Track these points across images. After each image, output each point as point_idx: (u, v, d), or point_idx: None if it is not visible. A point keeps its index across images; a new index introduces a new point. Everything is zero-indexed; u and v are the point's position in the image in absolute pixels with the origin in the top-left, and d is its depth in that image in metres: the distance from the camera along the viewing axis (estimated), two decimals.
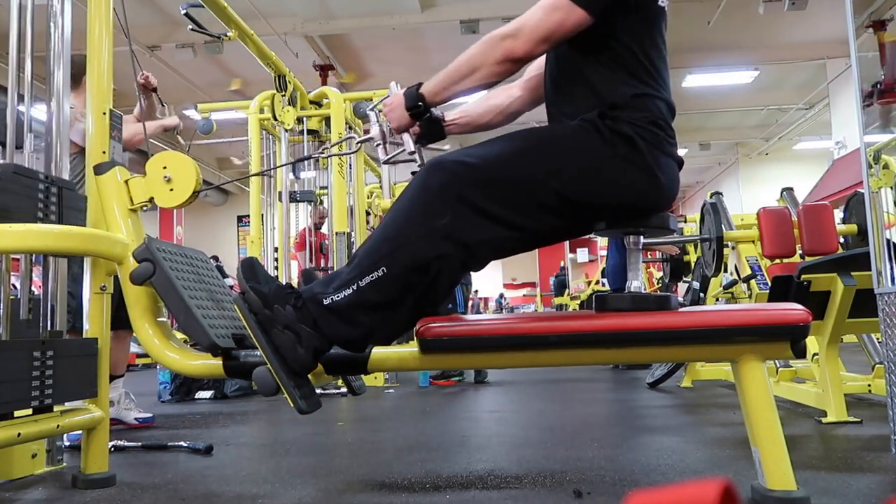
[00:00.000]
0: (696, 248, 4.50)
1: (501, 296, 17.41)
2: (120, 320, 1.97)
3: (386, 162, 1.67)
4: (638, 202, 1.47)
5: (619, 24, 1.42)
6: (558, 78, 1.55)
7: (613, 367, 5.33)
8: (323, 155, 1.90)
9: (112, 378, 3.10)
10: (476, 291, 17.01)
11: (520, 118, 1.78)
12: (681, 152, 1.56)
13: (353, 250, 4.78)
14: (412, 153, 1.57)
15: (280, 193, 4.92)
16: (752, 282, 3.48)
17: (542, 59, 1.61)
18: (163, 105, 3.29)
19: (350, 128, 5.03)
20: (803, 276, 2.52)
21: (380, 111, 1.63)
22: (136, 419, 3.00)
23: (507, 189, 1.41)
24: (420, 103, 1.50)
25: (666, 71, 1.50)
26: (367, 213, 5.88)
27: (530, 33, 1.38)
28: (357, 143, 1.81)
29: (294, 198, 4.94)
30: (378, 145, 1.64)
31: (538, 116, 1.57)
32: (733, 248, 3.75)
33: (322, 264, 5.42)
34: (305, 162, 5.24)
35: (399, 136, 1.58)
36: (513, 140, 1.47)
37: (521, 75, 1.71)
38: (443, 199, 1.40)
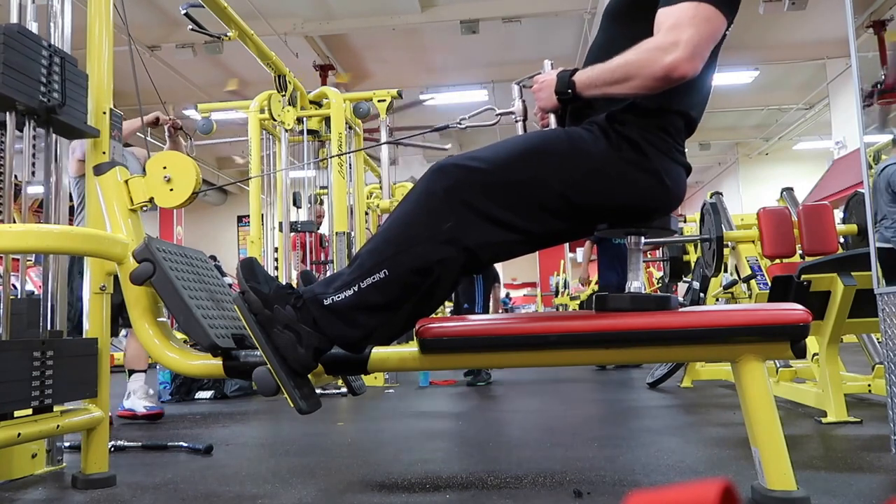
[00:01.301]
0: (696, 248, 4.50)
1: (507, 295, 17.50)
2: None
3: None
4: (643, 205, 1.47)
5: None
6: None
7: (598, 368, 5.32)
8: (460, 126, 1.79)
9: (132, 373, 3.18)
10: (508, 294, 17.03)
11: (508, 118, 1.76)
12: None
13: (353, 250, 4.78)
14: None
15: (280, 223, 4.90)
16: (752, 282, 3.48)
17: None
18: (189, 139, 3.39)
19: (350, 128, 5.03)
20: (803, 276, 2.53)
21: (526, 87, 1.58)
22: (145, 407, 3.09)
23: (512, 192, 1.41)
24: (569, 90, 1.44)
25: (703, 84, 1.48)
26: (367, 214, 5.87)
27: (691, 48, 1.28)
28: (497, 114, 1.74)
29: (295, 228, 4.93)
30: (518, 121, 1.59)
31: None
32: (733, 248, 3.75)
33: (321, 266, 5.42)
34: (304, 161, 5.23)
35: (540, 115, 1.54)
36: (517, 143, 1.47)
37: None
38: (447, 203, 1.40)
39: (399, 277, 1.40)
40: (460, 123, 1.80)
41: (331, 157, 4.70)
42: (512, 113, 1.61)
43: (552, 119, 1.53)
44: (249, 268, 1.50)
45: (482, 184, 1.41)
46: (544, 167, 1.42)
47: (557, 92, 1.46)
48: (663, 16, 1.35)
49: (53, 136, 1.97)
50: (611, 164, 1.42)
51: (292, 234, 4.93)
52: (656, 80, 1.32)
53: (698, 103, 1.51)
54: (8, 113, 1.75)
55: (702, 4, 1.31)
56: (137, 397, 3.18)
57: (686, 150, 1.55)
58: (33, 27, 1.98)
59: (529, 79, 1.58)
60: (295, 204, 5.05)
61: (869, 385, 2.85)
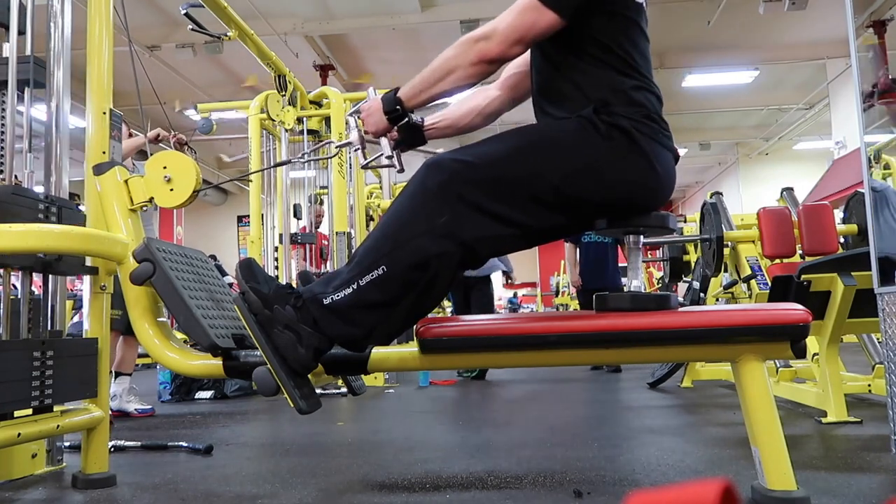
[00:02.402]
0: (696, 248, 4.49)
1: (515, 295, 17.53)
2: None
3: (364, 167, 1.68)
4: (637, 195, 1.48)
5: (597, 24, 1.44)
6: (545, 80, 1.56)
7: (593, 368, 5.30)
8: (301, 160, 1.91)
9: (119, 375, 3.23)
10: (515, 294, 17.07)
11: (504, 118, 1.79)
12: (681, 152, 1.57)
13: (353, 250, 4.78)
14: (389, 157, 1.57)
15: (280, 235, 4.89)
16: (752, 282, 3.48)
17: (520, 59, 1.62)
18: (195, 153, 3.42)
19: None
20: (803, 276, 2.52)
21: (358, 116, 1.63)
22: (136, 409, 3.15)
23: (506, 186, 1.41)
24: (398, 107, 1.50)
25: (648, 66, 1.52)
26: (370, 218, 5.87)
27: (503, 35, 1.40)
28: (336, 146, 1.81)
29: (295, 240, 4.93)
30: (356, 150, 1.64)
31: (517, 117, 1.57)
32: (733, 248, 3.75)
33: (321, 267, 5.42)
34: (304, 161, 5.23)
35: (377, 140, 1.58)
36: (511, 137, 1.48)
37: (499, 76, 1.71)
38: (442, 198, 1.40)
39: (397, 273, 1.40)
40: (302, 158, 1.90)
41: (330, 157, 4.70)
42: (350, 143, 1.65)
43: (384, 142, 1.56)
44: (249, 268, 1.51)
45: (476, 178, 1.41)
46: (538, 160, 1.42)
47: (386, 112, 1.51)
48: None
49: (53, 131, 1.98)
50: (603, 154, 1.42)
51: (292, 244, 4.93)
52: (473, 66, 1.42)
53: (653, 83, 1.53)
54: (3, 271, 1.80)
55: None
56: (124, 399, 3.24)
57: (686, 149, 1.55)
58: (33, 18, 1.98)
59: (357, 107, 1.62)
60: (295, 215, 5.05)
61: (869, 385, 2.85)
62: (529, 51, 1.56)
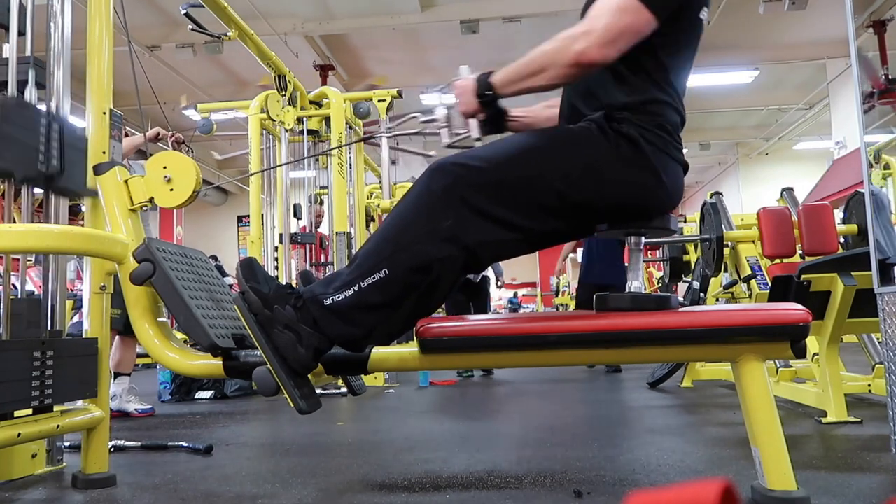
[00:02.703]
0: (696, 248, 4.50)
1: (515, 295, 17.54)
2: (130, 326, 1.98)
3: (449, 145, 1.62)
4: (641, 203, 1.48)
5: (661, 30, 1.40)
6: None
7: (589, 366, 5.31)
8: (385, 134, 1.83)
9: (118, 375, 3.24)
10: (515, 294, 17.11)
11: None
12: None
13: (353, 250, 4.78)
14: (477, 140, 1.53)
15: (280, 235, 4.90)
16: (752, 282, 3.48)
17: None
18: (192, 152, 3.43)
19: (350, 127, 5.03)
20: (803, 276, 2.52)
21: (447, 93, 1.59)
22: (136, 409, 3.16)
23: (511, 191, 1.41)
24: (489, 91, 1.46)
25: (683, 82, 1.50)
26: (370, 218, 5.87)
27: (601, 36, 1.33)
28: (421, 121, 1.74)
29: (295, 239, 4.93)
30: (442, 127, 1.60)
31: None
32: (733, 248, 3.75)
33: (322, 259, 5.42)
34: (305, 162, 5.23)
35: (462, 120, 1.54)
36: (515, 142, 1.47)
37: None
38: (446, 202, 1.40)
39: (399, 276, 1.40)
40: (387, 132, 1.82)
41: (329, 154, 4.70)
42: (435, 120, 1.62)
43: (473, 123, 1.52)
44: (249, 268, 1.50)
45: (481, 182, 1.41)
46: (543, 165, 1.42)
47: (478, 95, 1.47)
48: (594, 7, 1.39)
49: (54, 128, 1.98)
50: (609, 161, 1.42)
51: (292, 244, 4.94)
52: (568, 68, 1.35)
53: (681, 99, 1.52)
54: (7, 181, 1.79)
55: None
56: (124, 399, 3.25)
57: (686, 149, 1.55)
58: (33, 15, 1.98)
59: (448, 85, 1.59)
60: (295, 215, 5.06)
61: (869, 385, 2.85)
62: None
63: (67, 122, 1.91)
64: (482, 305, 5.76)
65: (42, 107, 1.94)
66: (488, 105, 1.49)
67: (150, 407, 3.39)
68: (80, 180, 1.87)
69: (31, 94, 1.96)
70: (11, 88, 1.92)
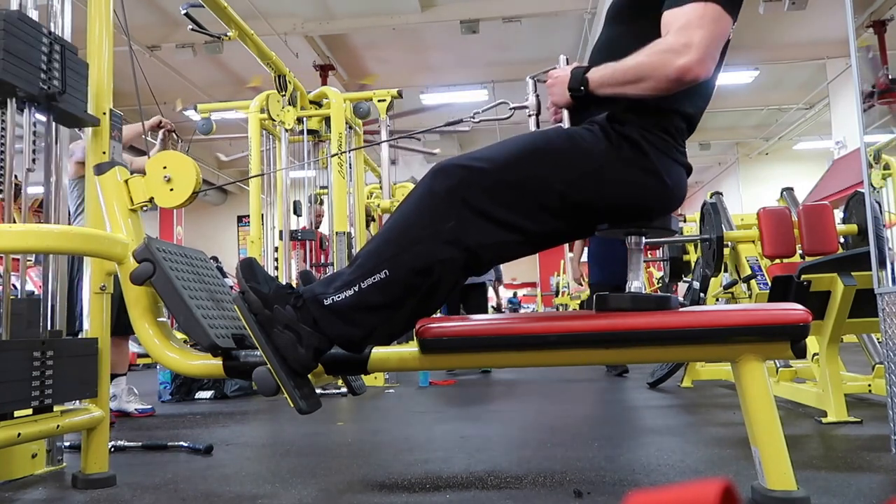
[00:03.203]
0: (696, 248, 4.49)
1: (515, 294, 17.56)
2: (118, 326, 1.98)
3: None
4: (643, 205, 1.48)
5: None
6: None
7: (608, 371, 5.24)
8: (473, 120, 1.80)
9: (115, 376, 3.24)
10: (515, 294, 17.12)
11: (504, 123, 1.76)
12: None
13: (353, 250, 4.78)
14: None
15: (280, 233, 4.90)
16: (752, 282, 3.48)
17: None
18: (179, 141, 3.41)
19: (350, 128, 5.03)
20: (803, 276, 2.52)
21: (541, 82, 1.58)
22: (136, 409, 3.16)
23: (513, 192, 1.41)
24: (583, 87, 1.44)
25: (707, 85, 1.47)
26: (371, 218, 5.86)
27: (704, 49, 1.29)
28: (510, 108, 1.73)
29: (295, 236, 4.93)
30: (531, 115, 1.59)
31: (516, 118, 1.54)
32: (733, 248, 3.75)
33: (322, 260, 5.43)
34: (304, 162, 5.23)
35: (552, 110, 1.54)
36: (518, 144, 1.47)
37: None
38: (448, 203, 1.40)
39: (400, 278, 1.40)
40: (473, 118, 1.80)
41: (330, 157, 4.70)
42: (525, 107, 1.60)
43: (565, 115, 1.51)
44: (249, 268, 1.50)
45: (483, 184, 1.41)
46: (545, 167, 1.42)
47: (570, 88, 1.46)
48: (671, 17, 1.35)
49: (54, 127, 1.98)
50: (611, 163, 1.42)
51: (292, 241, 4.94)
52: (669, 82, 1.33)
53: (701, 103, 1.52)
54: (8, 100, 1.76)
55: (709, 4, 1.32)
56: (124, 400, 3.25)
57: (687, 150, 1.55)
58: (34, 15, 1.97)
59: (544, 73, 1.57)
60: (295, 212, 5.06)
61: (869, 385, 2.85)
62: (606, 32, 1.50)
63: (69, 44, 1.89)
64: (476, 307, 5.71)
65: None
66: (579, 100, 1.47)
67: (150, 407, 3.39)
68: (81, 105, 1.86)
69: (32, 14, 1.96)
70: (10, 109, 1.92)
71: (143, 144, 3.40)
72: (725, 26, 1.34)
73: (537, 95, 1.59)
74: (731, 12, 1.35)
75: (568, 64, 1.53)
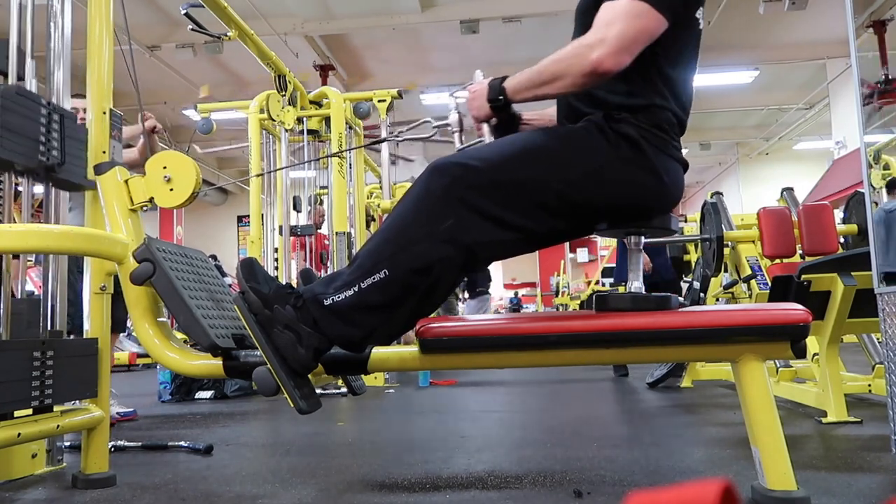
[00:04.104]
0: (696, 248, 4.49)
1: (516, 294, 17.57)
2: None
3: (462, 150, 1.62)
4: (642, 203, 1.48)
5: (665, 33, 1.40)
6: None
7: (615, 372, 5.18)
8: (397, 138, 1.85)
9: None
10: (516, 293, 17.20)
11: None
12: (682, 152, 1.57)
13: (353, 250, 4.78)
14: (488, 145, 1.53)
15: (280, 227, 4.90)
16: (752, 282, 3.48)
17: None
18: (169, 142, 3.41)
19: (350, 128, 5.03)
20: (803, 276, 2.53)
21: (459, 98, 1.60)
22: (117, 413, 3.07)
23: (510, 191, 1.41)
24: (501, 97, 1.47)
25: (684, 87, 1.49)
26: (371, 218, 5.86)
27: (616, 43, 1.32)
28: (433, 126, 1.76)
29: (295, 232, 4.93)
30: (455, 132, 1.61)
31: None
32: (733, 248, 3.75)
33: (322, 264, 5.42)
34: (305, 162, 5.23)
35: (474, 124, 1.55)
36: (515, 142, 1.47)
37: None
38: (445, 202, 1.40)
39: (399, 277, 1.40)
40: (397, 136, 1.84)
41: (330, 156, 4.70)
42: (448, 125, 1.63)
43: (486, 128, 1.53)
44: (249, 268, 1.51)
45: (480, 182, 1.41)
46: (542, 166, 1.42)
47: (490, 100, 1.48)
48: (601, 12, 1.38)
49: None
50: (609, 162, 1.42)
51: (292, 237, 4.93)
52: (584, 77, 1.35)
53: (684, 104, 1.52)
54: (7, 173, 1.79)
55: (635, 1, 1.34)
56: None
57: (686, 149, 1.56)
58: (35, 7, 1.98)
59: (462, 89, 1.59)
60: (295, 208, 5.05)
61: (869, 385, 2.85)
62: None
63: (68, 113, 1.90)
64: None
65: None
66: (500, 110, 1.49)
67: (132, 409, 3.32)
68: (81, 171, 1.87)
69: (31, 84, 1.96)
70: (12, 77, 1.92)
71: (136, 142, 3.41)
72: (648, 23, 1.34)
73: (459, 112, 1.61)
74: (662, 11, 1.35)
75: (484, 77, 1.54)
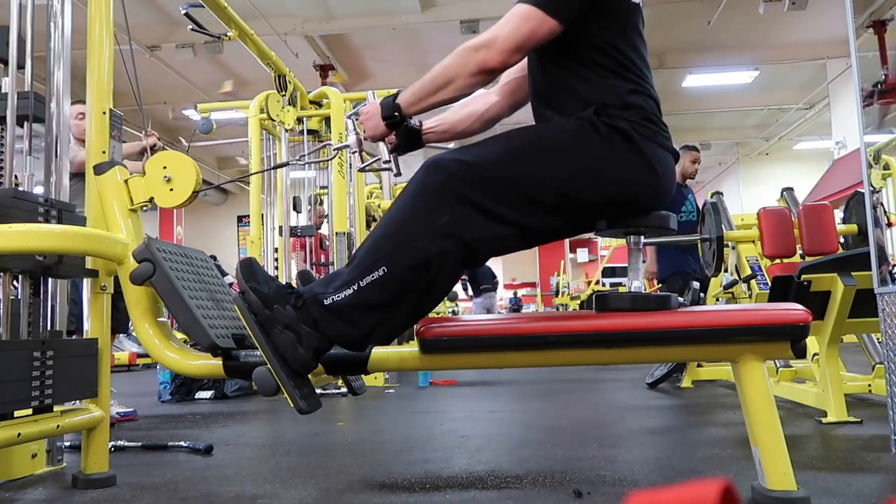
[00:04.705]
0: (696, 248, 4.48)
1: (515, 293, 17.59)
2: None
3: (361, 170, 1.70)
4: (637, 196, 1.48)
5: (593, 28, 1.44)
6: (542, 84, 1.56)
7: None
8: (300, 162, 1.93)
9: None
10: (515, 293, 17.27)
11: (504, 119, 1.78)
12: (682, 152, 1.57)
13: (354, 250, 4.78)
14: (387, 162, 1.59)
15: (280, 228, 4.90)
16: (752, 282, 3.48)
17: (518, 64, 1.60)
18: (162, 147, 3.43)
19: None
20: (803, 276, 2.53)
21: (357, 119, 1.64)
22: (117, 413, 3.07)
23: (507, 187, 1.41)
24: (396, 113, 1.50)
25: (647, 68, 1.52)
26: (371, 218, 5.86)
27: (503, 44, 1.38)
28: (334, 149, 1.82)
29: (295, 233, 4.94)
30: (354, 153, 1.65)
31: (518, 118, 1.56)
32: (733, 248, 3.74)
33: (321, 268, 5.42)
34: (305, 164, 5.22)
35: (375, 144, 1.59)
36: (511, 138, 1.48)
37: (497, 81, 1.72)
38: (442, 198, 1.40)
39: (398, 274, 1.40)
40: (300, 160, 1.90)
41: (329, 160, 4.70)
42: (348, 146, 1.66)
43: (381, 147, 1.57)
44: (249, 268, 1.50)
45: (477, 178, 1.41)
46: (538, 162, 1.43)
47: (385, 118, 1.51)
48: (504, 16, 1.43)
49: (53, 128, 1.98)
50: (603, 156, 1.42)
51: (292, 238, 4.93)
52: (473, 77, 1.41)
53: (652, 85, 1.53)
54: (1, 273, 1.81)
55: (524, 5, 1.40)
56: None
57: (678, 147, 1.56)
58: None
59: (356, 112, 1.62)
60: (295, 209, 5.05)
61: (869, 385, 2.85)
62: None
63: (67, 205, 1.92)
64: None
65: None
66: (397, 126, 1.53)
67: (132, 409, 3.32)
68: (80, 261, 1.88)
69: (30, 84, 1.97)
70: (11, 92, 1.92)
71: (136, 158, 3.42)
72: (537, 26, 1.39)
73: (357, 133, 1.64)
74: (552, 13, 1.38)
75: (376, 98, 1.58)
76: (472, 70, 1.40)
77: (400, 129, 1.57)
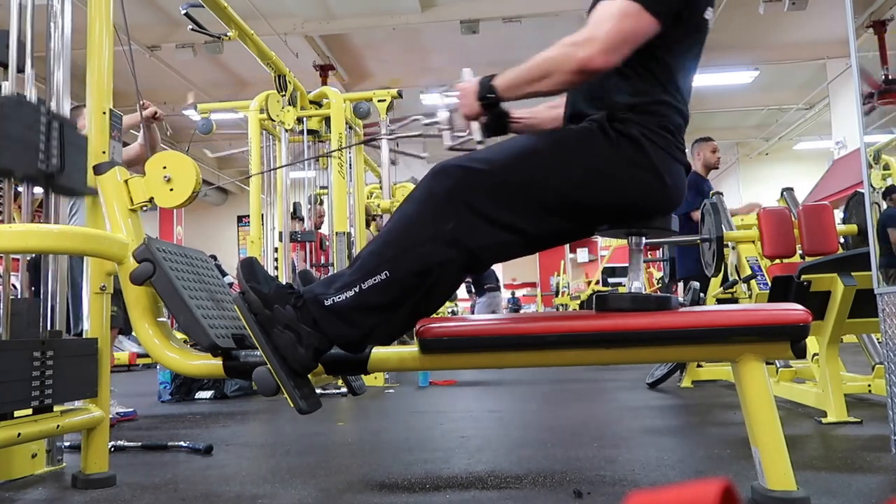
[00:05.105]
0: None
1: (513, 294, 17.60)
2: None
3: (451, 148, 1.61)
4: (644, 204, 1.48)
5: (661, 32, 1.40)
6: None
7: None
8: (389, 137, 1.84)
9: None
10: (513, 293, 17.27)
11: None
12: None
13: (353, 250, 4.78)
14: (480, 142, 1.53)
15: (280, 233, 4.90)
16: (752, 282, 3.48)
17: None
18: (168, 131, 3.39)
19: (350, 128, 5.03)
20: (803, 277, 2.52)
21: (449, 96, 1.59)
22: (117, 413, 3.06)
23: (513, 194, 1.41)
24: (492, 94, 1.46)
25: (688, 83, 1.50)
26: (371, 218, 5.86)
27: (605, 42, 1.33)
28: (424, 124, 1.74)
29: (295, 238, 4.94)
30: (444, 130, 1.60)
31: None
32: (733, 248, 3.74)
33: (323, 261, 5.42)
34: (305, 162, 5.23)
35: (464, 122, 1.54)
36: (517, 145, 1.48)
37: None
38: (448, 204, 1.40)
39: (400, 279, 1.40)
40: (392, 133, 1.82)
41: (330, 155, 4.70)
42: (437, 122, 1.61)
43: (475, 126, 1.52)
44: (249, 268, 1.51)
45: (484, 185, 1.41)
46: (545, 168, 1.42)
47: (480, 98, 1.47)
48: (597, 10, 1.39)
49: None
50: (611, 162, 1.42)
51: (292, 242, 4.94)
52: (573, 74, 1.36)
53: (687, 101, 1.52)
54: (6, 179, 1.79)
55: (626, 1, 1.34)
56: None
57: (687, 149, 1.56)
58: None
59: (450, 87, 1.59)
60: (295, 215, 5.05)
61: (869, 385, 2.85)
62: None
63: (67, 120, 1.90)
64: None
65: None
66: (490, 108, 1.48)
67: (132, 410, 3.31)
68: (81, 178, 1.87)
69: (30, 91, 1.96)
70: (10, 86, 1.92)
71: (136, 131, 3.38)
72: (638, 24, 1.35)
73: (448, 110, 1.59)
74: (654, 11, 1.35)
75: (474, 76, 1.53)
76: (573, 67, 1.34)
77: (491, 112, 1.51)
